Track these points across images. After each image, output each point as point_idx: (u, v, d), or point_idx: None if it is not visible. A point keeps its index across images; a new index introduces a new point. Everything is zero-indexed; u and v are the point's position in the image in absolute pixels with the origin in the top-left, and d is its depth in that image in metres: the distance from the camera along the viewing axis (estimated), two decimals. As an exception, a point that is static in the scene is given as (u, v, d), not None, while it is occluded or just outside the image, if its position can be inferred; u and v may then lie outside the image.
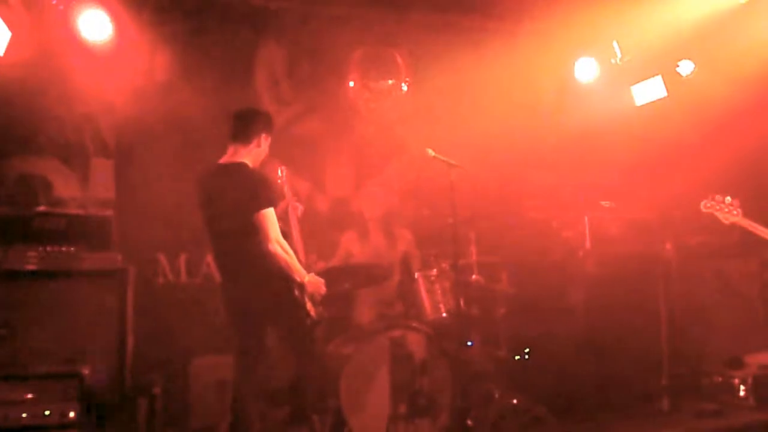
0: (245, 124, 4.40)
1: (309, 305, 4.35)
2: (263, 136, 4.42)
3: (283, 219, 4.66)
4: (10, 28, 4.68)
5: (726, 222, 4.62)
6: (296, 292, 4.29)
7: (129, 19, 5.23)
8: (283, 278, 4.23)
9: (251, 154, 4.38)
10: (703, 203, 4.65)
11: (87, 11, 5.11)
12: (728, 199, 4.60)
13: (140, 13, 5.25)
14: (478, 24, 6.10)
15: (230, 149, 4.38)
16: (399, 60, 6.28)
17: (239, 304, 4.28)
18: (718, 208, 4.62)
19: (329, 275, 5.35)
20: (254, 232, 4.14)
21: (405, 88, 6.32)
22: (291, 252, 4.28)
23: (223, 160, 4.39)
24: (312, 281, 4.35)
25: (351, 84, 6.24)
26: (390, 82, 6.29)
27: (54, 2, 4.94)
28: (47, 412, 4.22)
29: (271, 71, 6.21)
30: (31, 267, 4.61)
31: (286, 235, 4.45)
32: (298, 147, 6.14)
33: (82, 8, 5.10)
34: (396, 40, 6.11)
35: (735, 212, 4.60)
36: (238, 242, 4.20)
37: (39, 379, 4.29)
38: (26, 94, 5.15)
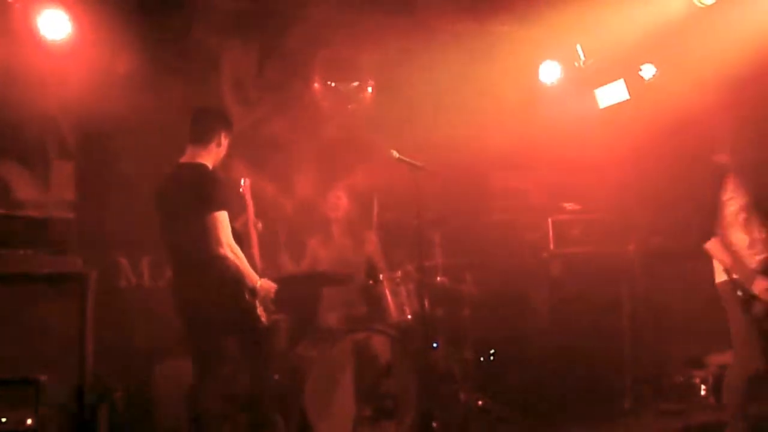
0: (203, 124, 4.33)
1: (260, 310, 4.26)
2: (222, 135, 4.35)
3: (242, 232, 4.60)
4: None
5: None
6: (247, 296, 4.19)
7: (90, 18, 5.15)
8: (234, 282, 4.14)
9: (211, 155, 4.31)
10: None
11: (45, 10, 5.01)
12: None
13: (101, 12, 5.15)
14: (443, 26, 6.11)
15: (189, 150, 4.32)
16: (364, 62, 6.27)
17: (191, 307, 4.20)
18: None
19: (295, 281, 5.38)
20: (206, 235, 4.05)
21: (370, 90, 6.31)
22: (242, 256, 4.19)
23: (182, 160, 4.33)
24: (264, 286, 4.25)
25: (315, 85, 6.22)
26: (354, 84, 6.28)
27: (11, 0, 4.84)
28: (3, 420, 4.14)
29: (237, 72, 6.16)
30: (-12, 270, 4.51)
31: (243, 247, 4.36)
32: (264, 149, 6.09)
33: (40, 7, 5.01)
34: (361, 42, 6.09)
35: None
36: (190, 245, 4.11)
37: (-6, 384, 4.20)
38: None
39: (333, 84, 6.22)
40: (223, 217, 4.07)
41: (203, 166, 4.25)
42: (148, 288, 5.77)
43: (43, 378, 4.26)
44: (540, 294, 6.10)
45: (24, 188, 5.37)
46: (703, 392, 5.86)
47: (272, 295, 4.29)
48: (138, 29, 5.41)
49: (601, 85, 6.38)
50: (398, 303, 5.29)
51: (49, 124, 5.50)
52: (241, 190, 4.87)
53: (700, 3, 5.47)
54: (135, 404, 5.13)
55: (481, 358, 5.88)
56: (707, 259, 6.25)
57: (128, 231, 5.51)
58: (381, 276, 5.35)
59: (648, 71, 6.34)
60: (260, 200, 5.11)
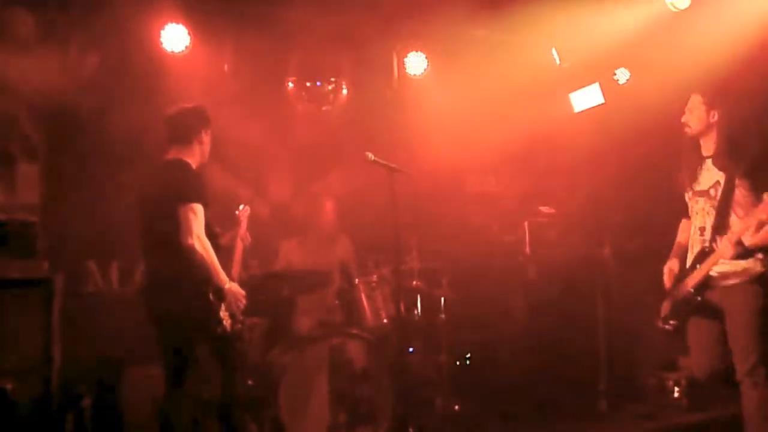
0: (180, 124, 4.21)
1: (224, 314, 4.06)
2: (202, 132, 4.24)
3: (229, 246, 4.51)
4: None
5: None
6: (211, 297, 4.01)
7: (58, 15, 5.04)
8: (199, 278, 3.97)
9: (195, 154, 4.20)
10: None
11: (10, 8, 4.89)
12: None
13: (66, 9, 5.03)
14: (420, 27, 6.08)
15: (172, 151, 4.18)
16: (340, 62, 6.21)
17: (158, 305, 4.04)
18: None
19: (268, 282, 5.29)
20: (177, 226, 3.91)
21: (345, 91, 6.25)
22: (213, 254, 4.00)
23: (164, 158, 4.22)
24: (232, 289, 4.08)
25: (290, 85, 6.14)
26: (330, 85, 6.21)
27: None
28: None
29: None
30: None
31: (227, 266, 4.26)
32: (239, 150, 6.00)
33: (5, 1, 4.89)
34: (338, 42, 6.03)
35: None
36: (162, 236, 3.98)
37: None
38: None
39: (307, 84, 6.15)
40: (196, 209, 3.94)
41: (182, 161, 4.13)
42: (117, 293, 5.64)
43: (8, 386, 4.19)
44: (516, 297, 6.10)
45: (-12, 191, 5.22)
46: (676, 394, 5.88)
47: (241, 303, 4.13)
48: (103, 25, 5.29)
49: (576, 89, 6.40)
50: (374, 307, 5.24)
51: (14, 125, 5.36)
52: (237, 212, 4.77)
53: (674, 7, 5.51)
54: (103, 411, 5.01)
55: (458, 363, 5.85)
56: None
57: (97, 235, 5.41)
58: (356, 280, 5.30)
59: (622, 75, 6.38)
60: (235, 203, 5.04)
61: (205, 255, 3.94)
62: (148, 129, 4.97)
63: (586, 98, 6.31)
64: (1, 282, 4.44)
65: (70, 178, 5.48)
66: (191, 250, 3.89)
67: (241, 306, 4.13)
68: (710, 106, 4.05)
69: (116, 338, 5.34)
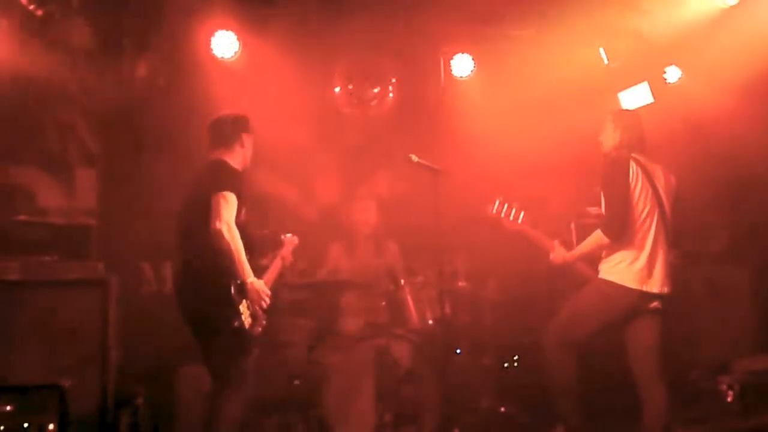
0: (222, 129, 4.28)
1: (244, 309, 3.95)
2: (243, 136, 4.30)
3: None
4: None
5: (510, 228, 4.69)
6: (233, 289, 3.91)
7: (112, 23, 5.20)
8: (222, 271, 3.88)
9: (236, 156, 4.25)
10: (489, 207, 4.72)
11: (68, 18, 5.07)
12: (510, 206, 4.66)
13: (121, 18, 5.19)
14: (466, 30, 6.09)
15: (214, 154, 4.23)
16: (385, 67, 6.26)
17: (183, 302, 4.04)
18: (503, 214, 4.69)
19: (317, 288, 5.39)
20: (208, 212, 3.88)
21: (392, 94, 6.30)
22: (241, 245, 3.91)
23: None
24: (255, 286, 3.97)
25: (337, 90, 6.21)
26: (376, 89, 6.27)
27: (31, 7, 4.88)
28: (26, 425, 4.16)
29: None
30: (12, 277, 4.56)
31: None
32: (287, 154, 6.10)
33: (65, 13, 5.06)
34: (384, 46, 6.09)
35: (519, 219, 4.69)
36: (191, 228, 4.01)
37: (19, 391, 4.23)
38: (7, 103, 5.11)
39: (354, 89, 6.21)
40: (228, 197, 3.92)
41: (222, 160, 4.18)
42: (170, 294, 5.76)
43: (65, 383, 4.29)
44: (563, 300, 6.04)
45: (48, 196, 5.42)
46: (729, 399, 5.75)
47: (264, 302, 4.02)
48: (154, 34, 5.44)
49: (625, 88, 6.31)
50: (420, 309, 5.27)
51: (73, 131, 5.56)
52: (283, 238, 4.76)
53: (724, 3, 5.41)
54: (157, 409, 5.15)
55: (505, 365, 5.82)
56: (734, 264, 6.20)
57: (151, 237, 5.55)
58: (402, 281, 5.33)
59: (673, 74, 6.27)
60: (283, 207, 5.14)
61: (231, 243, 3.86)
62: (200, 133, 5.10)
63: (635, 97, 6.22)
64: (60, 282, 4.62)
65: (126, 183, 5.65)
66: (219, 234, 3.83)
67: (264, 305, 4.03)
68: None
69: (170, 338, 5.46)
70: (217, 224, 3.85)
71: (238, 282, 3.93)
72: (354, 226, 5.77)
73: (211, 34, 5.63)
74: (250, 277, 3.96)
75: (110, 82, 5.40)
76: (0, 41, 4.76)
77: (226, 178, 4.02)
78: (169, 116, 5.64)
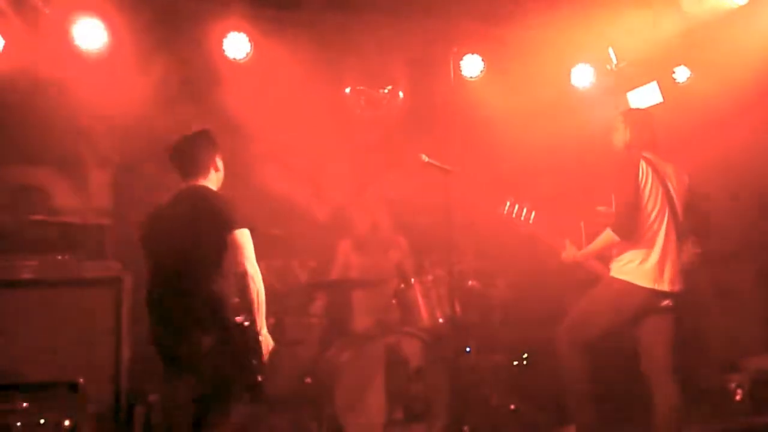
0: (192, 152, 3.81)
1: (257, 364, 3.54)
2: (216, 158, 3.84)
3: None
4: (4, 37, 4.70)
5: (521, 228, 4.69)
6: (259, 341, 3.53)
7: (126, 27, 5.25)
8: (233, 326, 3.50)
9: (212, 182, 3.82)
10: (500, 208, 4.69)
11: (81, 19, 5.12)
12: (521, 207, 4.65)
13: (136, 21, 5.24)
14: (475, 30, 6.12)
15: (190, 180, 3.79)
16: (396, 66, 6.30)
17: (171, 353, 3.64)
18: (514, 214, 4.67)
19: (328, 287, 5.43)
20: (232, 252, 3.53)
21: (402, 95, 6.34)
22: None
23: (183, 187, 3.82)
24: (269, 339, 3.63)
25: (347, 91, 6.26)
26: (386, 89, 6.31)
27: (48, 12, 4.95)
28: (42, 421, 4.21)
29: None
30: (27, 275, 4.62)
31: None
32: (298, 154, 6.16)
33: (75, 16, 5.12)
34: (394, 47, 6.12)
35: (530, 219, 4.68)
36: (191, 278, 3.57)
37: (34, 388, 4.28)
38: (24, 104, 5.17)
39: (365, 89, 6.25)
40: (248, 235, 3.58)
41: (208, 188, 3.77)
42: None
43: (80, 381, 4.32)
44: (572, 298, 6.06)
45: (63, 195, 5.48)
46: (738, 397, 5.76)
47: (265, 356, 3.60)
48: (170, 38, 5.50)
49: (634, 88, 6.33)
50: (430, 307, 5.29)
51: (88, 133, 5.62)
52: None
53: (734, 3, 5.41)
54: (171, 407, 5.19)
55: (514, 362, 5.85)
56: (742, 263, 6.20)
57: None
58: (412, 280, 5.36)
59: (682, 74, 6.28)
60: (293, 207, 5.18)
61: (261, 289, 3.55)
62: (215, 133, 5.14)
63: (644, 97, 6.23)
64: (76, 281, 4.68)
65: (140, 183, 5.70)
66: (248, 278, 3.50)
67: (263, 359, 3.60)
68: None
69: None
70: (248, 266, 3.51)
71: (255, 330, 3.54)
72: (364, 225, 5.81)
73: (223, 35, 5.68)
74: (264, 328, 3.61)
75: (125, 86, 5.44)
76: (16, 44, 4.80)
77: (235, 212, 3.62)
78: (181, 119, 5.68)
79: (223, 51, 5.70)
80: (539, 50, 6.10)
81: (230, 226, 3.56)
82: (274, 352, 3.67)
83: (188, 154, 3.82)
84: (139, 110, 5.49)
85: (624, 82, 6.36)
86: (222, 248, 3.55)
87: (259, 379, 3.51)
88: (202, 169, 3.80)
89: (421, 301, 5.31)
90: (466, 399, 4.96)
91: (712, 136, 5.85)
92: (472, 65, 6.27)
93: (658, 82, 6.15)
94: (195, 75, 5.78)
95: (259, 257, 5.51)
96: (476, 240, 5.66)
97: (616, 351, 5.21)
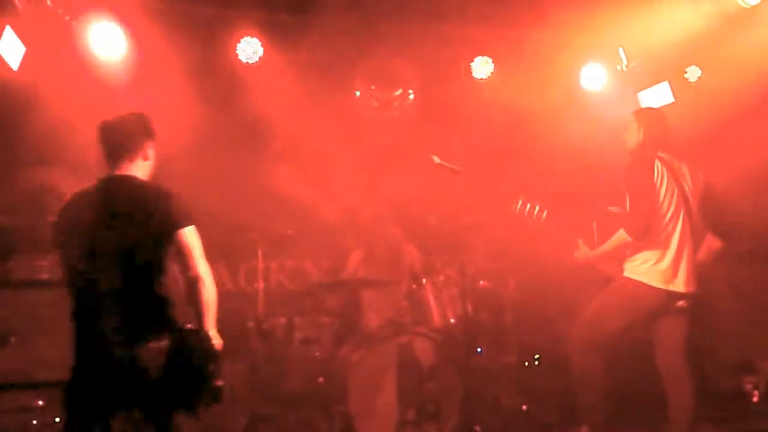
0: (121, 135, 3.42)
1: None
2: (146, 144, 3.45)
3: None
4: (24, 43, 4.78)
5: (533, 227, 4.66)
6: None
7: (143, 32, 5.31)
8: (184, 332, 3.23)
9: (140, 172, 3.42)
10: (512, 207, 4.65)
11: (98, 24, 5.19)
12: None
13: (154, 27, 5.30)
14: (484, 33, 6.14)
15: (114, 167, 3.39)
16: (406, 69, 6.33)
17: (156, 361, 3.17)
18: (526, 212, 4.64)
19: (339, 287, 5.45)
20: (157, 269, 3.24)
21: (412, 97, 6.37)
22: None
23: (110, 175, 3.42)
24: (218, 340, 3.30)
25: (357, 93, 6.30)
26: (397, 92, 6.34)
27: (67, 18, 5.02)
28: (57, 419, 4.26)
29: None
30: (42, 276, 4.68)
31: None
32: (309, 156, 6.20)
33: (93, 21, 5.19)
34: (405, 49, 6.16)
35: (542, 218, 4.64)
36: (137, 277, 3.22)
37: (49, 386, 4.33)
38: (40, 107, 5.24)
39: (375, 91, 6.29)
40: (195, 232, 3.28)
41: (148, 181, 3.42)
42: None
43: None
44: (584, 298, 6.04)
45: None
46: (755, 398, 5.71)
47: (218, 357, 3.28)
48: (187, 46, 5.56)
49: (645, 88, 6.32)
50: (441, 307, 5.30)
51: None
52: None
53: (745, 3, 5.40)
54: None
55: (526, 363, 5.84)
56: (756, 262, 6.15)
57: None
58: (424, 280, 5.38)
59: (693, 73, 6.26)
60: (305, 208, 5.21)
61: (214, 291, 3.28)
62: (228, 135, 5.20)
63: (655, 97, 6.22)
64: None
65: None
66: (209, 277, 3.26)
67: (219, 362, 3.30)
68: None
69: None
70: (200, 270, 3.22)
71: (208, 333, 3.26)
72: (375, 238, 5.81)
73: (237, 40, 5.74)
74: (213, 329, 3.29)
75: (143, 89, 5.50)
76: (36, 50, 4.87)
77: (183, 209, 3.29)
78: (197, 119, 5.74)
79: (237, 55, 5.76)
80: (549, 51, 6.11)
81: (177, 224, 3.24)
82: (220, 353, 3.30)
83: (116, 136, 3.41)
84: (154, 114, 5.54)
85: (635, 82, 6.36)
86: (167, 248, 3.25)
87: (220, 383, 3.22)
88: (130, 155, 3.39)
89: (432, 301, 5.32)
90: (477, 399, 4.96)
91: (725, 135, 5.83)
92: (482, 67, 6.29)
93: (669, 82, 6.14)
94: (209, 79, 5.83)
95: (272, 257, 5.61)
96: (487, 240, 5.67)
97: (630, 352, 5.19)
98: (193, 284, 3.22)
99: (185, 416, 3.19)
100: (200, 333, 3.22)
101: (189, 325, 3.24)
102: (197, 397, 3.19)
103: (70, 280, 3.29)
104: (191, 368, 3.17)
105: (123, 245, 3.21)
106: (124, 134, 3.41)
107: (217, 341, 3.26)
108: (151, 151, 3.47)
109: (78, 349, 3.27)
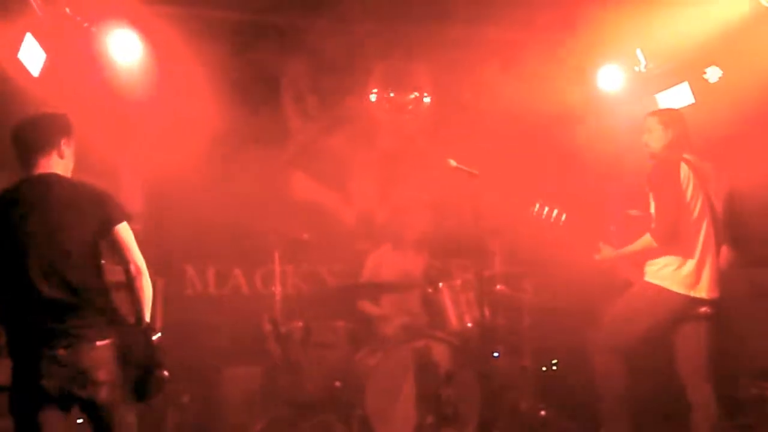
0: (33, 132, 3.31)
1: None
2: (62, 141, 3.33)
3: None
4: (44, 49, 4.82)
5: (552, 230, 4.59)
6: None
7: (162, 39, 5.34)
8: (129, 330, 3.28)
9: (57, 169, 3.31)
10: (530, 209, 4.57)
11: (116, 31, 5.23)
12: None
13: (172, 34, 5.33)
14: (501, 35, 6.12)
15: (32, 165, 3.26)
16: (421, 73, 6.33)
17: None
18: (544, 215, 4.56)
19: (355, 290, 5.45)
20: (121, 249, 3.27)
21: (427, 100, 6.36)
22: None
23: (30, 174, 3.28)
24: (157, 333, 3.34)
25: (372, 97, 6.30)
26: (412, 95, 6.33)
27: (86, 25, 5.05)
28: (80, 420, 4.26)
29: (297, 87, 6.31)
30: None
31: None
32: (325, 160, 6.21)
33: (111, 28, 5.23)
34: (418, 53, 6.16)
35: (560, 221, 4.55)
36: (75, 277, 3.17)
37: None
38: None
39: (390, 95, 6.29)
40: (129, 227, 3.31)
41: (69, 178, 3.35)
42: (214, 295, 5.93)
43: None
44: (603, 302, 6.00)
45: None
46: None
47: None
48: (207, 50, 5.59)
49: (663, 89, 6.26)
50: (458, 311, 5.28)
51: (121, 141, 5.73)
52: None
53: (766, 2, 5.33)
54: (202, 408, 5.26)
55: (543, 368, 5.81)
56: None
57: (194, 240, 5.69)
58: (441, 284, 5.36)
59: (713, 74, 6.19)
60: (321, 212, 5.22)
61: (149, 280, 3.32)
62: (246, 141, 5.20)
63: (675, 99, 6.15)
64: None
65: (171, 188, 5.79)
66: (144, 277, 3.29)
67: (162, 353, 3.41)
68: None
69: (213, 339, 5.62)
70: (140, 265, 3.28)
71: (148, 327, 3.33)
72: (394, 236, 5.80)
73: (254, 46, 5.77)
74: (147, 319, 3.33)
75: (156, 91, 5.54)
76: (56, 57, 4.91)
77: (117, 203, 3.31)
78: (215, 126, 5.77)
79: (253, 60, 5.79)
80: (566, 52, 6.08)
81: (113, 220, 3.25)
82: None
83: (29, 134, 3.30)
84: (173, 120, 5.59)
85: (653, 84, 6.30)
86: (101, 245, 3.26)
87: (165, 374, 3.32)
88: (45, 152, 3.28)
89: (449, 305, 5.30)
90: (495, 404, 4.93)
91: (746, 136, 5.76)
92: (499, 69, 6.26)
93: (689, 83, 6.07)
94: (227, 86, 5.86)
95: (288, 261, 5.63)
96: (504, 244, 5.63)
97: (652, 357, 5.13)
98: (133, 278, 3.27)
99: (131, 407, 3.29)
100: (142, 326, 3.29)
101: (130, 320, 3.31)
102: (144, 389, 3.29)
103: (1, 283, 3.19)
104: (137, 363, 3.27)
105: (58, 245, 3.16)
106: (36, 131, 3.31)
107: (154, 333, 3.33)
108: (67, 149, 3.35)
109: (16, 354, 3.18)
